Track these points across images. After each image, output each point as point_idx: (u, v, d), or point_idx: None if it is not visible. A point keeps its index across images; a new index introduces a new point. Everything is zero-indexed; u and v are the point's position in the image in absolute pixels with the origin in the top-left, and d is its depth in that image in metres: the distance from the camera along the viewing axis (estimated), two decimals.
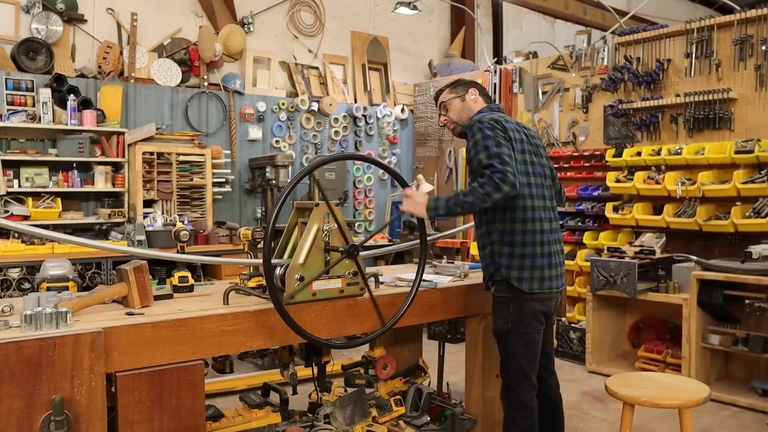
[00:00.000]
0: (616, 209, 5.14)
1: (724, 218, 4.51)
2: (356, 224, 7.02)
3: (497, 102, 6.30)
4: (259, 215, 6.30)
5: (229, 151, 6.12)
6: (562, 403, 2.94)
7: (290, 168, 5.94)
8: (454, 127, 2.90)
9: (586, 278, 5.12)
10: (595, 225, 5.41)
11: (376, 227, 7.07)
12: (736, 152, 4.44)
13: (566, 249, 5.53)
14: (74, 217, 5.11)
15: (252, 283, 2.54)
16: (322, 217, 2.46)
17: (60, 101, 5.09)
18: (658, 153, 4.87)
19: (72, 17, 5.43)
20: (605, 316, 5.01)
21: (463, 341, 4.03)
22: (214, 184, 5.77)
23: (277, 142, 6.49)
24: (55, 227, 4.95)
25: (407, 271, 3.24)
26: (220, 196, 5.99)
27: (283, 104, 6.51)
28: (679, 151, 4.77)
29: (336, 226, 2.46)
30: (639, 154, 5.01)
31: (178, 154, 5.51)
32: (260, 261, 2.31)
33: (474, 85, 2.91)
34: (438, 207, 2.52)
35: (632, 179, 4.97)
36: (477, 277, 3.20)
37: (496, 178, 2.43)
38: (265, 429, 2.88)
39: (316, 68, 6.92)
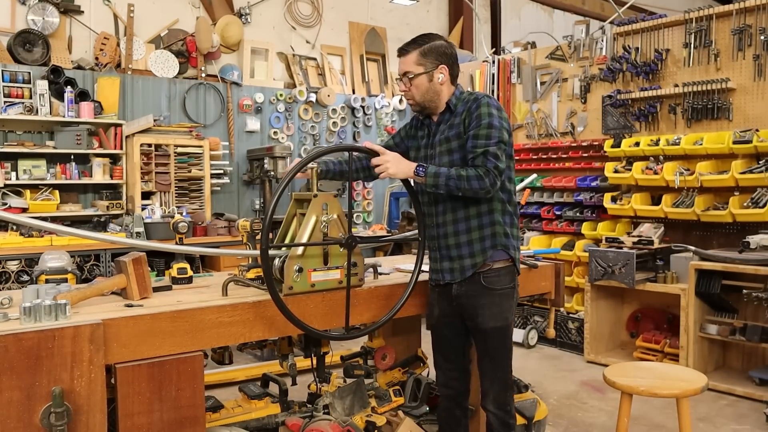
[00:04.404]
0: (614, 199, 5.14)
1: (722, 208, 4.51)
2: (354, 215, 7.02)
3: (494, 91, 6.28)
4: (257, 206, 6.30)
5: (227, 143, 6.11)
6: None
7: (288, 159, 5.92)
8: (413, 105, 2.51)
9: (585, 268, 5.13)
10: (594, 215, 5.41)
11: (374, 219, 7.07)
12: (735, 142, 4.44)
13: (565, 239, 5.55)
14: (72, 209, 5.11)
15: (251, 275, 2.54)
16: (321, 208, 2.45)
17: (57, 93, 5.08)
18: (657, 143, 4.87)
19: (68, 8, 5.40)
20: (603, 307, 5.02)
21: None
22: (213, 176, 5.77)
23: (275, 133, 6.48)
24: (53, 219, 4.96)
25: (406, 262, 3.24)
26: (219, 188, 5.98)
27: (281, 95, 6.49)
28: (677, 141, 4.76)
29: (335, 217, 2.46)
30: (637, 144, 5.00)
31: (176, 146, 5.50)
32: (258, 252, 2.31)
33: (444, 62, 2.45)
34: (438, 184, 2.31)
35: (630, 169, 4.96)
36: None
37: (494, 178, 2.29)
38: (265, 420, 2.89)
39: (314, 59, 6.90)
